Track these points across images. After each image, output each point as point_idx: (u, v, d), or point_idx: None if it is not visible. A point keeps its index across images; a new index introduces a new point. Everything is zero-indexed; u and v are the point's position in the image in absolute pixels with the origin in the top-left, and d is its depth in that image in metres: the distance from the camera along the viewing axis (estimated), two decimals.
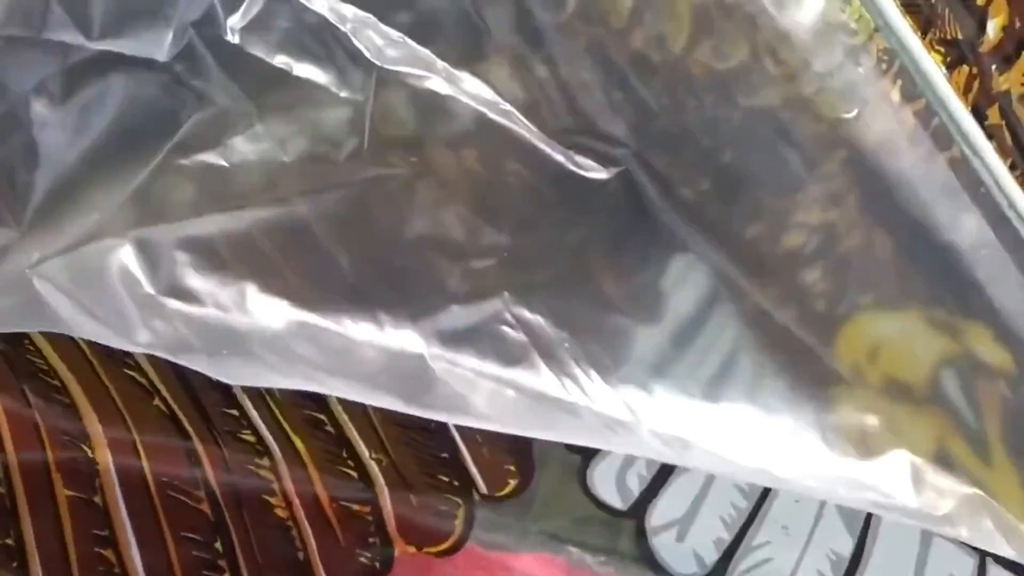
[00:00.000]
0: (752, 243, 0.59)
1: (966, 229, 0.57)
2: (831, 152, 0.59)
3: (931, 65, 0.58)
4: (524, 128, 0.58)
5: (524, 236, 0.59)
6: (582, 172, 0.59)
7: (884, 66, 0.59)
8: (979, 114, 0.58)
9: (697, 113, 0.60)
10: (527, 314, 0.59)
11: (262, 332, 0.56)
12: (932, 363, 0.63)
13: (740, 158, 0.60)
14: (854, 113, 0.60)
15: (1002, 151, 0.59)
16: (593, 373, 0.59)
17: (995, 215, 0.58)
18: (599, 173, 0.60)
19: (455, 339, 0.58)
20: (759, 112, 0.60)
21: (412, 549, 0.67)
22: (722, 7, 0.59)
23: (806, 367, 0.64)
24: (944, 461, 0.61)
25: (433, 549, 0.66)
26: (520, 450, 0.67)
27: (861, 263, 0.60)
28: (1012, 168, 0.58)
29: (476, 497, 0.66)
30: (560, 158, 0.59)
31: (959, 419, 0.62)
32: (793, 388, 0.64)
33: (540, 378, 0.58)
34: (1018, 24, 0.59)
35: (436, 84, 0.58)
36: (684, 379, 0.62)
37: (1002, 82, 0.59)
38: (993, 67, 0.59)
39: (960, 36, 0.59)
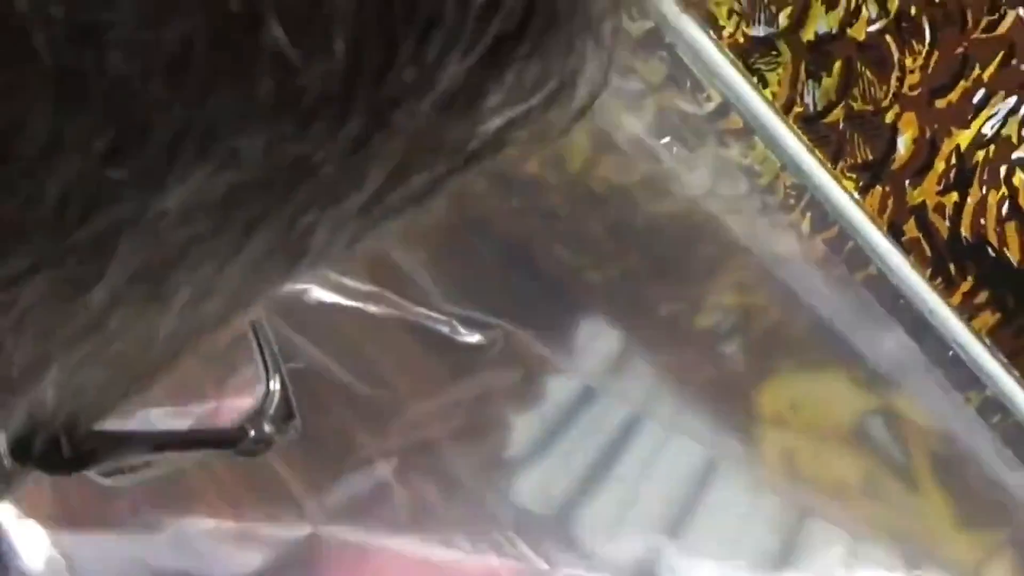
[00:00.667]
0: (667, 320, 0.60)
1: (885, 346, 0.58)
2: (740, 254, 0.59)
3: (841, 194, 0.56)
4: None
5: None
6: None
7: (792, 201, 0.57)
8: (896, 230, 0.58)
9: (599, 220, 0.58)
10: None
11: None
12: (856, 412, 0.65)
13: (649, 253, 0.60)
14: (759, 239, 0.59)
15: (921, 262, 0.59)
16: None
17: (916, 324, 0.59)
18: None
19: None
20: (664, 217, 0.58)
21: None
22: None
23: (728, 414, 0.66)
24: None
25: None
26: None
27: (779, 336, 0.61)
28: (932, 278, 0.59)
29: None
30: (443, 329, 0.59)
31: (887, 455, 0.65)
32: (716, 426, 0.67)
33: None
34: (928, 133, 0.56)
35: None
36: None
37: (916, 195, 0.58)
38: (907, 182, 0.58)
39: (872, 158, 0.57)
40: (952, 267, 0.60)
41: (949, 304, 0.60)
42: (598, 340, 0.66)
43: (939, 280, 0.61)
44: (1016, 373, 0.61)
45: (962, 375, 0.61)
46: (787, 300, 0.63)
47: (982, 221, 0.61)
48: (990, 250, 0.61)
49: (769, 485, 0.70)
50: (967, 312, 0.60)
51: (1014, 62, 0.58)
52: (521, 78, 0.14)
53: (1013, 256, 0.61)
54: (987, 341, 0.60)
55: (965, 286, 0.61)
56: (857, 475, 0.70)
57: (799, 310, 0.63)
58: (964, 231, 0.60)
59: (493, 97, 0.15)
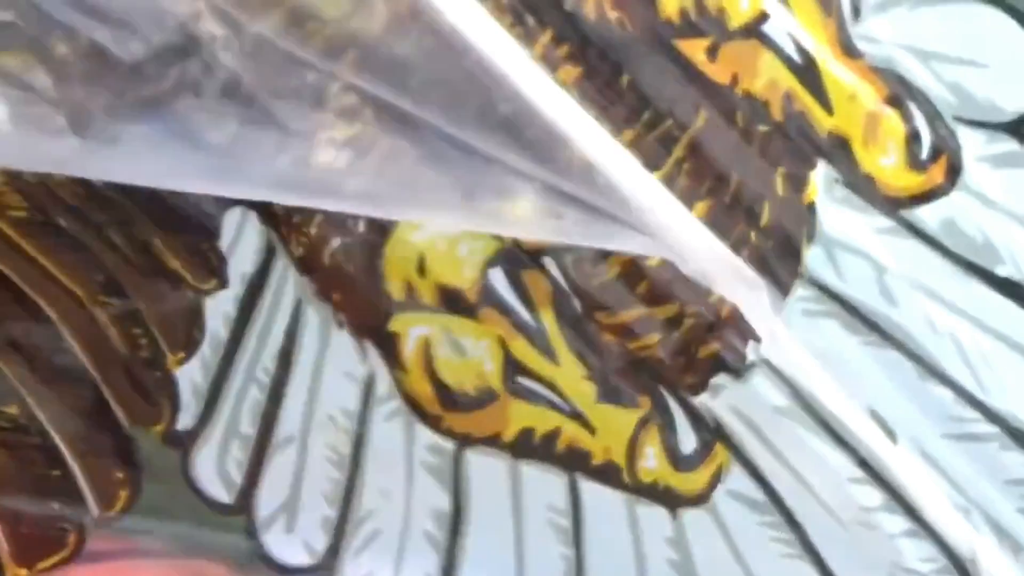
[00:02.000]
0: (287, 170, 0.62)
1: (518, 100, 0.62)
2: (340, 61, 0.61)
3: None
4: None
5: None
6: None
7: None
8: None
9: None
10: None
11: None
12: (479, 264, 0.69)
13: (259, 90, 0.61)
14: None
15: (499, 10, 0.62)
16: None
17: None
18: None
19: None
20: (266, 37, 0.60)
21: (24, 572, 0.72)
22: None
23: (363, 303, 0.70)
24: (512, 367, 0.70)
25: (45, 565, 0.72)
26: (126, 458, 0.72)
27: (393, 172, 0.64)
28: (515, 26, 0.62)
29: (88, 517, 0.71)
30: None
31: (516, 319, 0.70)
32: (357, 332, 0.70)
33: None
34: None
35: None
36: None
37: None
38: None
39: None
40: (529, 18, 0.64)
41: (531, 55, 0.64)
42: None
43: (518, 29, 0.64)
44: None
45: None
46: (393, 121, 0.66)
47: None
48: (566, 6, 0.65)
49: None
50: (551, 64, 0.64)
51: None
52: None
53: (589, 11, 0.65)
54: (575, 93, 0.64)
55: (544, 38, 0.65)
56: None
57: (405, 132, 0.65)
58: None
59: None
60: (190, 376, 0.72)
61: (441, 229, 0.65)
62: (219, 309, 0.71)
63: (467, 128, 0.61)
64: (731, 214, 0.67)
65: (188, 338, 0.70)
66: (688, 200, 0.66)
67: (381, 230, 0.66)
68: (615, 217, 0.64)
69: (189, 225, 0.68)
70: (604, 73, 0.64)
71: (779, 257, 0.68)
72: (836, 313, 0.69)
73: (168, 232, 0.67)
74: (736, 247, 0.67)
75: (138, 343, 0.70)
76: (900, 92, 0.70)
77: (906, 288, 0.70)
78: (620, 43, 0.64)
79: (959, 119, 0.71)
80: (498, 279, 0.68)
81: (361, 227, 0.66)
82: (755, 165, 0.67)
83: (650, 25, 0.65)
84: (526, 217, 0.64)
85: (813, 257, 0.69)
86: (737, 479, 0.71)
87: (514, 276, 0.67)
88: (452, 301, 0.67)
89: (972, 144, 0.72)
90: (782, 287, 0.68)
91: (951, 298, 0.71)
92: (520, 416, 0.70)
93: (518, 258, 0.66)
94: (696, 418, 0.70)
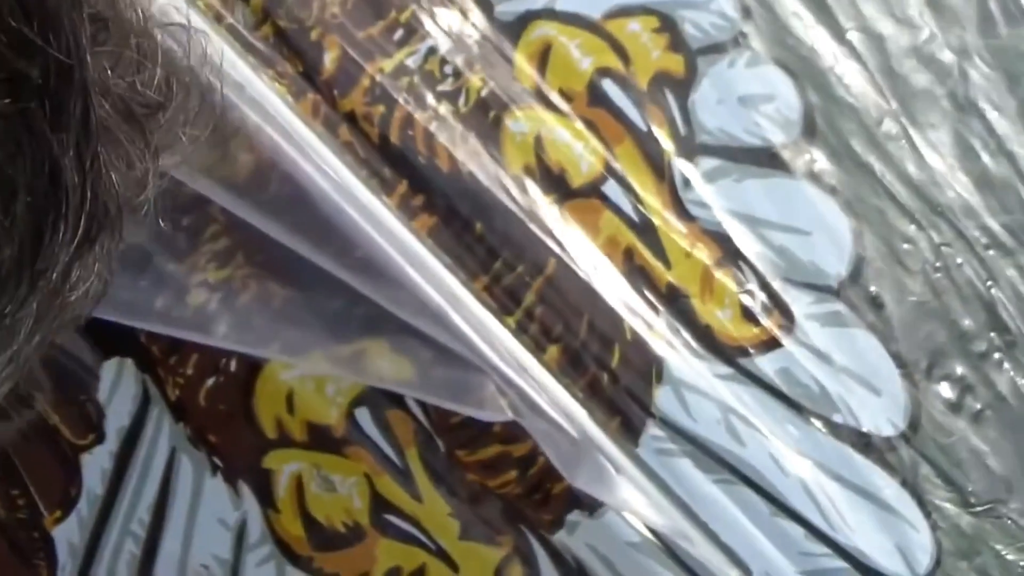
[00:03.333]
0: (163, 312, 0.68)
1: (363, 239, 0.68)
2: (208, 208, 0.68)
3: (274, 96, 0.67)
4: None
5: None
6: None
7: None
8: (332, 131, 0.69)
9: None
10: None
11: None
12: (345, 403, 0.75)
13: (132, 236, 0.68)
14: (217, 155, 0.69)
15: (357, 162, 0.70)
16: None
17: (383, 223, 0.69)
18: None
19: None
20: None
21: None
22: None
23: (238, 442, 0.75)
24: (380, 504, 0.74)
25: None
26: None
27: (261, 315, 0.70)
28: (371, 177, 0.70)
29: None
30: None
31: (382, 457, 0.75)
32: (232, 474, 0.75)
33: None
34: (352, 54, 0.69)
35: None
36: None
37: (345, 104, 0.69)
38: (335, 92, 0.69)
39: (300, 69, 0.68)
40: (386, 170, 0.73)
41: (387, 206, 0.72)
42: None
43: (376, 180, 0.73)
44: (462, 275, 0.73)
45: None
46: (262, 263, 0.74)
47: (410, 132, 0.74)
48: (421, 158, 0.75)
49: None
50: (407, 212, 0.73)
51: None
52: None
53: (442, 164, 0.75)
54: (429, 242, 0.73)
55: (401, 188, 0.74)
56: None
57: (274, 275, 0.74)
58: (393, 138, 0.74)
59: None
60: (67, 535, 0.75)
61: (308, 371, 0.71)
62: (96, 464, 0.75)
63: (327, 272, 0.69)
64: (583, 358, 0.75)
65: (65, 496, 0.74)
66: (540, 345, 0.74)
67: (252, 368, 0.72)
68: (465, 364, 0.71)
69: (68, 378, 0.74)
70: (458, 222, 0.73)
71: (631, 398, 0.75)
72: (689, 452, 0.76)
73: (49, 387, 0.73)
74: (589, 389, 0.74)
75: (16, 504, 0.73)
76: (731, 253, 0.79)
77: (750, 430, 0.77)
78: (472, 194, 0.73)
79: (788, 280, 0.81)
80: (364, 417, 0.73)
81: (233, 366, 0.72)
82: (606, 311, 0.75)
83: (498, 179, 0.74)
84: (383, 363, 0.71)
85: (663, 398, 0.76)
86: None
87: (379, 415, 0.73)
88: (320, 438, 0.73)
89: (801, 303, 0.81)
90: (633, 428, 0.75)
91: (794, 441, 0.78)
92: (388, 555, 0.74)
93: (383, 397, 0.72)
94: (557, 557, 0.75)
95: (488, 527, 0.74)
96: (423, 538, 0.74)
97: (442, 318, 0.69)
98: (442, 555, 0.74)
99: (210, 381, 0.72)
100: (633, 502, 0.73)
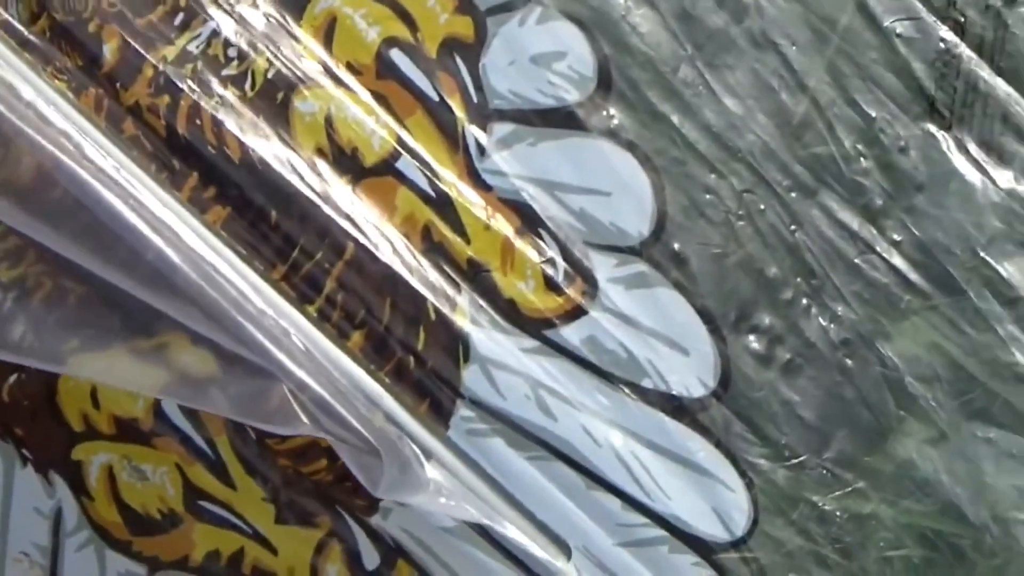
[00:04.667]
0: None
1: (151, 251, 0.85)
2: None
3: (53, 93, 0.83)
4: None
5: None
6: None
7: None
8: (116, 126, 0.86)
9: None
10: None
11: None
12: (151, 397, 0.93)
13: None
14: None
15: (145, 156, 0.87)
16: None
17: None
18: None
19: None
20: None
21: None
22: None
23: (44, 436, 0.92)
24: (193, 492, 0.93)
25: None
26: None
27: (57, 312, 0.87)
28: (160, 171, 0.87)
29: None
30: None
31: (191, 446, 0.94)
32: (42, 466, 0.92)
33: None
34: (132, 43, 0.86)
35: None
36: None
37: (128, 97, 0.86)
38: (118, 84, 0.86)
39: (80, 63, 0.85)
40: (175, 162, 0.90)
41: (178, 199, 0.89)
42: None
43: (164, 174, 0.91)
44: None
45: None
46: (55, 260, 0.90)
47: (197, 122, 0.92)
48: (210, 148, 0.92)
49: None
50: (199, 206, 0.90)
51: None
52: None
53: (233, 153, 0.92)
54: (223, 235, 0.90)
55: (192, 181, 0.91)
56: None
57: (69, 271, 0.90)
58: (180, 129, 0.91)
59: None
60: None
61: (110, 366, 0.88)
62: None
63: (118, 273, 0.86)
64: (387, 342, 0.94)
65: None
66: (343, 332, 0.92)
67: (57, 358, 0.89)
68: (264, 366, 0.89)
69: None
70: (251, 212, 0.91)
71: (439, 380, 0.94)
72: (501, 430, 0.95)
73: None
74: (396, 374, 0.93)
75: None
76: (531, 221, 0.99)
77: (561, 403, 0.97)
78: (265, 182, 0.91)
79: (589, 244, 1.01)
80: (172, 409, 0.91)
81: (34, 359, 0.88)
82: (407, 292, 0.94)
83: (290, 164, 0.92)
84: (185, 357, 0.88)
85: (471, 378, 0.95)
86: None
87: (187, 407, 0.91)
88: (128, 430, 0.90)
89: (604, 267, 1.01)
90: (443, 410, 0.95)
91: (605, 411, 0.99)
92: (206, 539, 0.93)
93: (190, 382, 0.90)
94: (376, 537, 0.94)
95: (304, 510, 0.93)
96: (239, 523, 0.93)
97: (234, 321, 0.86)
98: (259, 538, 0.92)
99: (12, 378, 0.89)
100: (442, 493, 0.92)
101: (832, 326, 1.08)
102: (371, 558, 0.92)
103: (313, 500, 0.91)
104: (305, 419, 0.87)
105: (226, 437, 0.89)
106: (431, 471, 0.90)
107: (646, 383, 0.97)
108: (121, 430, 0.90)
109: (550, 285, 0.95)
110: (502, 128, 0.97)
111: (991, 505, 1.09)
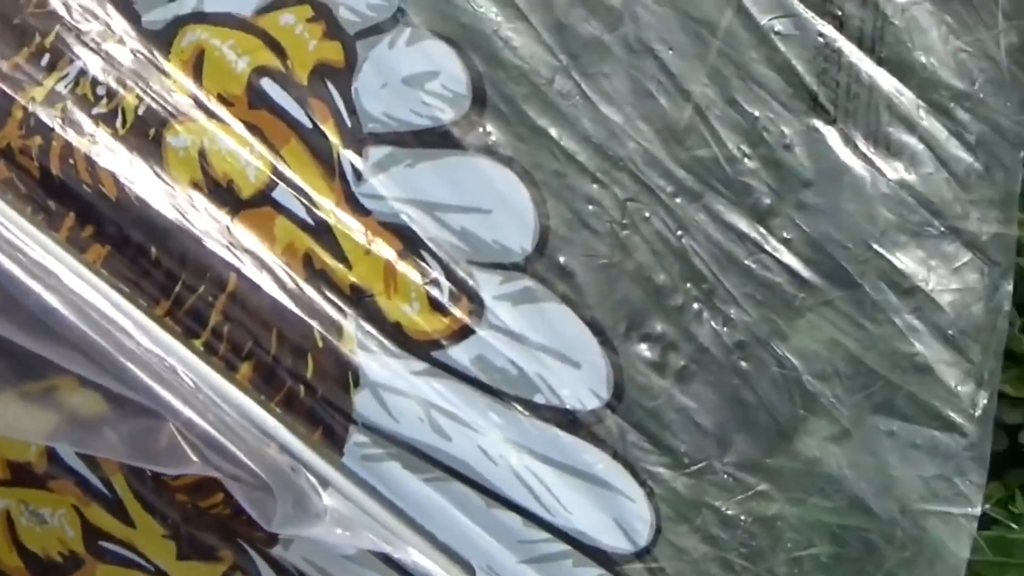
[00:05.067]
0: None
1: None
2: None
3: None
4: None
5: None
6: None
7: None
8: None
9: None
10: None
11: None
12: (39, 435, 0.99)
13: None
14: None
15: (19, 199, 0.94)
16: None
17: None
18: None
19: None
20: None
21: None
22: None
23: None
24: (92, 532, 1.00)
25: None
26: None
27: None
28: (36, 213, 0.94)
29: None
30: None
31: (87, 486, 1.00)
32: None
33: None
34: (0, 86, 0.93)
35: None
36: None
37: (0, 139, 0.94)
38: None
39: None
40: (51, 203, 0.97)
41: (56, 240, 0.96)
42: None
43: (41, 216, 0.98)
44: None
45: None
46: None
47: (71, 161, 0.99)
48: (86, 187, 0.99)
49: None
50: (78, 245, 0.97)
51: None
52: None
53: (109, 191, 0.99)
54: (104, 273, 0.97)
55: (69, 221, 0.98)
56: None
57: None
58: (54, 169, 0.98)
59: None
60: None
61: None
62: None
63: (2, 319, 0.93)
64: (276, 371, 1.01)
65: None
66: (231, 365, 0.99)
67: None
68: (152, 405, 0.96)
69: None
70: (131, 249, 0.98)
71: (330, 407, 1.02)
72: (396, 454, 1.03)
73: None
74: (286, 404, 1.01)
75: None
76: (412, 243, 1.07)
77: (455, 424, 1.05)
78: (143, 218, 0.98)
79: (473, 263, 1.09)
80: (65, 451, 0.98)
81: None
82: (293, 320, 1.02)
83: (167, 199, 0.99)
84: (75, 398, 0.96)
85: (362, 403, 1.03)
86: None
87: (79, 444, 0.98)
88: (22, 475, 0.97)
89: (489, 285, 1.09)
90: (336, 437, 1.02)
91: (499, 429, 1.06)
92: None
93: (82, 431, 0.97)
94: (278, 567, 1.02)
95: (205, 545, 1.00)
96: (141, 561, 1.00)
97: (118, 363, 0.93)
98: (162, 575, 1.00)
99: None
100: (340, 522, 1.00)
101: (725, 329, 1.14)
102: None
103: (213, 534, 0.97)
104: (194, 457, 0.92)
105: (122, 475, 0.96)
106: (328, 499, 0.97)
107: (538, 399, 1.04)
108: (16, 475, 0.96)
109: (435, 306, 1.02)
110: (378, 151, 1.04)
111: (898, 498, 1.16)
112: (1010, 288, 1.23)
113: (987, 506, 1.26)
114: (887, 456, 1.16)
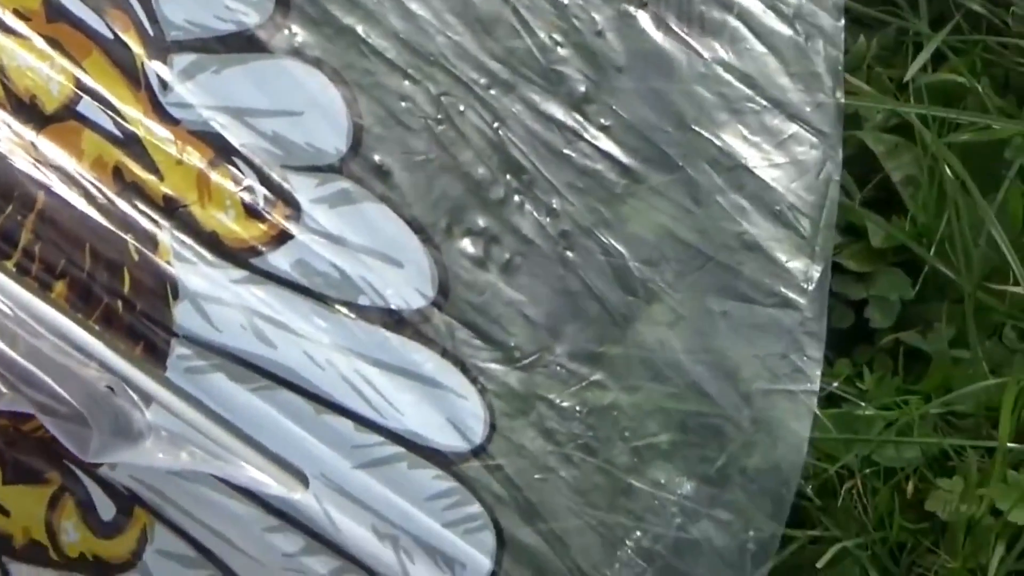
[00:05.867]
0: None
1: None
2: None
3: None
4: None
5: None
6: None
7: None
8: None
9: None
10: None
11: None
12: None
13: None
14: None
15: None
16: None
17: None
18: None
19: None
20: None
21: None
22: None
23: None
24: None
25: None
26: None
27: None
28: None
29: None
30: None
31: None
32: None
33: None
34: None
35: None
36: None
37: None
38: None
39: None
40: None
41: None
42: None
43: None
44: None
45: None
46: None
47: None
48: None
49: None
50: None
51: None
52: None
53: None
54: None
55: None
56: None
57: None
58: None
59: None
60: None
61: None
62: None
63: None
64: (92, 289, 1.06)
65: None
66: (45, 284, 1.05)
67: None
68: None
69: None
70: None
71: (150, 321, 1.07)
72: (220, 365, 1.08)
73: None
74: (104, 321, 1.06)
75: None
76: (224, 150, 1.12)
77: (279, 331, 1.11)
78: None
79: (287, 167, 1.14)
80: None
81: None
82: (106, 235, 1.07)
83: None
84: None
85: (183, 315, 1.08)
86: (164, 539, 1.07)
87: None
88: None
89: (305, 188, 1.14)
90: (158, 351, 1.08)
91: (324, 333, 1.12)
92: None
93: None
94: (108, 487, 1.07)
95: (31, 468, 1.04)
96: None
97: None
98: None
99: None
100: (164, 441, 1.05)
101: (549, 220, 1.19)
102: (106, 508, 1.04)
103: (39, 457, 1.03)
104: (5, 390, 0.96)
105: None
106: (152, 416, 1.02)
107: (363, 300, 1.10)
108: None
109: (251, 213, 1.07)
110: (183, 59, 1.09)
111: (736, 379, 1.22)
112: (839, 158, 1.28)
113: (835, 384, 1.33)
114: (722, 338, 1.22)
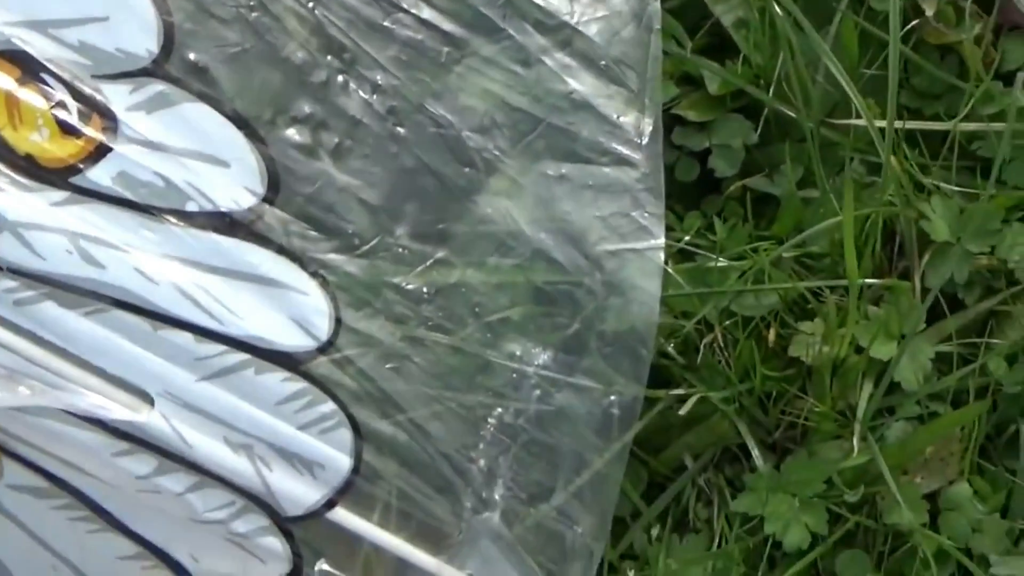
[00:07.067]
0: None
1: None
2: None
3: None
4: None
5: None
6: None
7: None
8: None
9: None
10: None
11: None
12: None
13: None
14: None
15: None
16: None
17: None
18: None
19: None
20: None
21: None
22: None
23: None
24: None
25: None
26: None
27: None
28: None
29: None
30: None
31: None
32: None
33: None
34: None
35: None
36: None
37: None
38: None
39: None
40: None
41: None
42: None
43: None
44: None
45: None
46: None
47: None
48: None
49: None
50: None
51: None
52: None
53: None
54: None
55: None
56: None
57: None
58: None
59: None
60: None
61: None
62: None
63: None
64: None
65: None
66: None
67: None
68: None
69: None
70: None
71: None
72: (49, 293, 1.08)
73: None
74: None
75: None
76: (30, 67, 1.11)
77: (106, 249, 1.10)
78: None
79: (98, 76, 1.13)
80: None
81: None
82: None
83: None
84: None
85: (4, 246, 1.07)
86: (15, 473, 1.08)
87: None
88: None
89: (119, 96, 1.13)
90: None
91: (154, 246, 1.12)
92: None
93: None
94: None
95: None
96: None
97: None
98: None
99: None
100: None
101: (375, 97, 1.19)
102: None
103: None
104: None
105: None
106: None
107: (191, 207, 1.10)
108: None
109: (66, 129, 1.06)
110: None
111: (580, 243, 1.24)
112: (658, 5, 1.29)
113: (686, 238, 1.34)
114: (563, 203, 1.23)
